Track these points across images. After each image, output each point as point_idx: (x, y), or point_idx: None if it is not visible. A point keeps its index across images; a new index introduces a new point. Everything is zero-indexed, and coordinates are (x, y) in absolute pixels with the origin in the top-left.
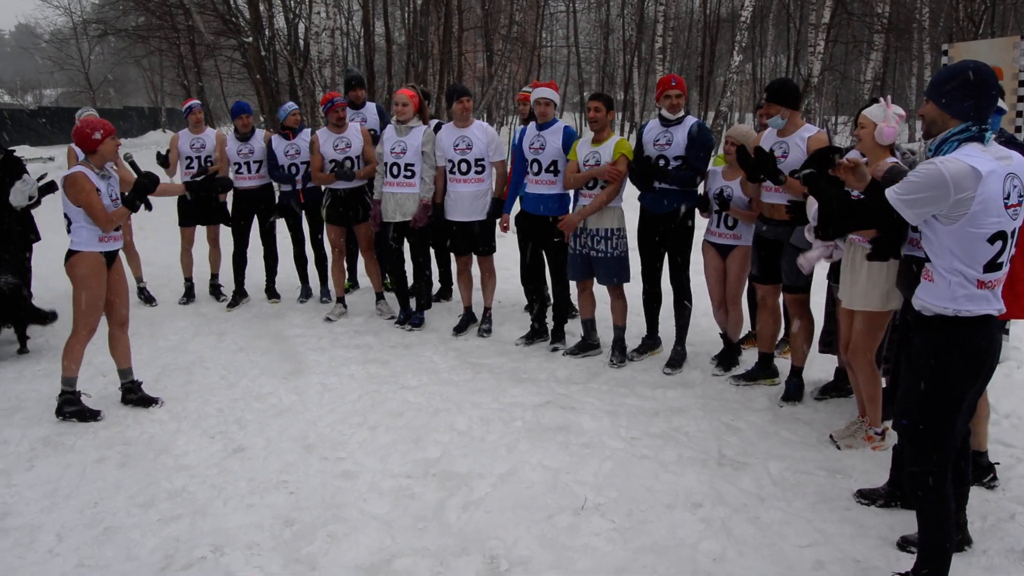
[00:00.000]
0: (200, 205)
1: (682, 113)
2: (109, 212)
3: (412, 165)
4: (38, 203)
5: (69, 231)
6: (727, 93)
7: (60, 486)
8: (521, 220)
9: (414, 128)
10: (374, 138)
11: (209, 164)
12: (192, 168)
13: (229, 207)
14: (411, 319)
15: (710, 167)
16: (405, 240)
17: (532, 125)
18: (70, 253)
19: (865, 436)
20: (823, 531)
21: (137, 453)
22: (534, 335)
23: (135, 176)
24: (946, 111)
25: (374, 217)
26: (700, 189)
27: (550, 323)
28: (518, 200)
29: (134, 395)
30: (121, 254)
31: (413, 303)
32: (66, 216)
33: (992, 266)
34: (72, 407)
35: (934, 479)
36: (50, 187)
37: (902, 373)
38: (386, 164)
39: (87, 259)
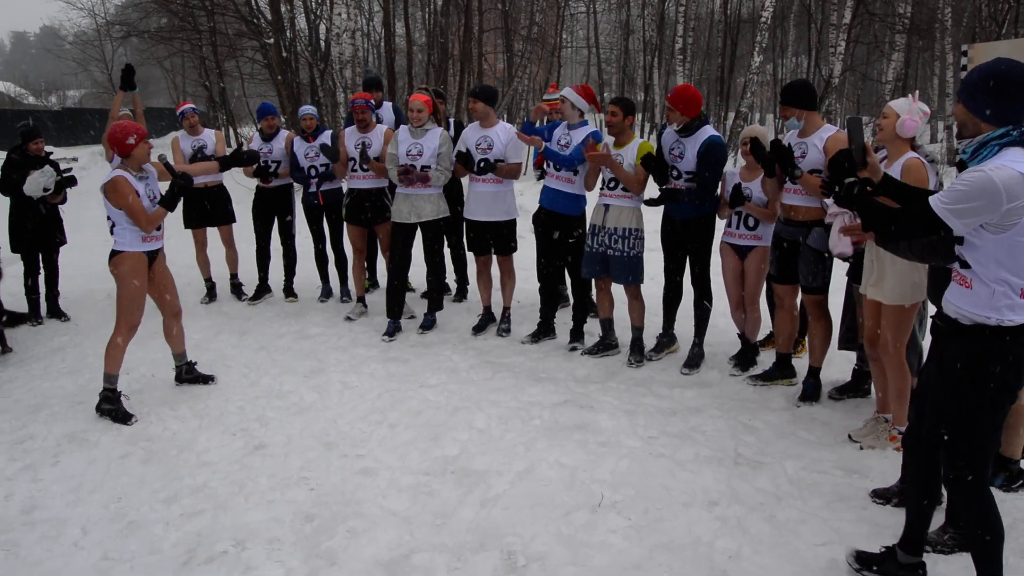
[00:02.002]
0: (200, 206)
1: (676, 125)
2: (149, 213)
3: (428, 168)
4: (59, 197)
5: (112, 232)
6: (747, 94)
7: (85, 481)
8: (539, 217)
9: (429, 130)
10: None
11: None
12: None
13: (236, 207)
14: (423, 323)
15: (727, 169)
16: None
17: (564, 123)
18: (114, 253)
19: (889, 436)
20: (839, 530)
21: (160, 450)
22: (540, 333)
23: (170, 176)
24: (975, 114)
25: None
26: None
27: (568, 323)
28: (537, 195)
29: (190, 375)
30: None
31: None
32: (109, 218)
33: None
34: (109, 405)
35: (974, 477)
36: (70, 181)
37: (933, 381)
38: (402, 167)
39: (129, 259)
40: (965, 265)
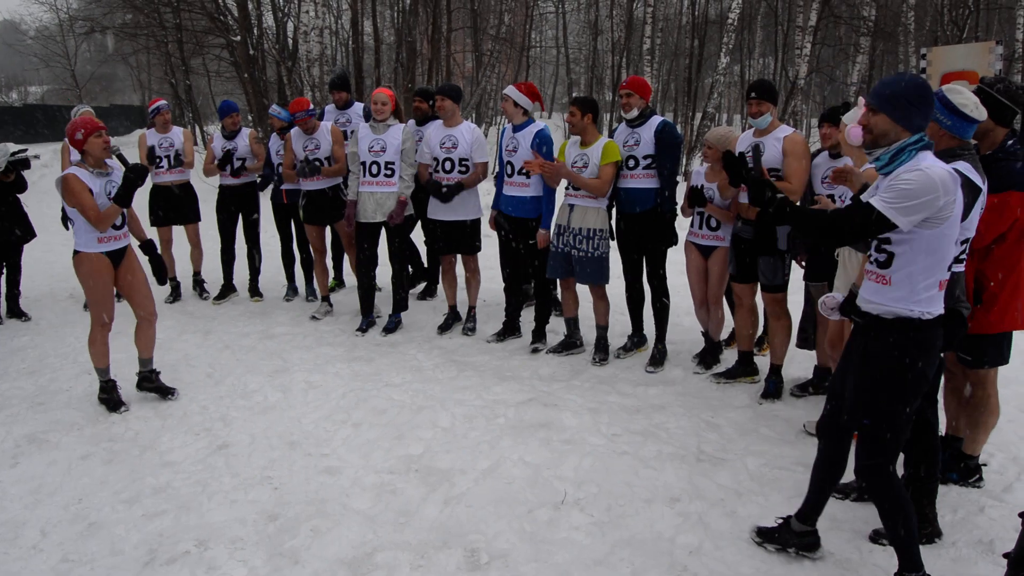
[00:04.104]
0: (167, 205)
1: (635, 113)
2: (101, 211)
3: (392, 163)
4: (10, 176)
5: (73, 231)
6: (714, 94)
7: (44, 483)
8: (498, 221)
9: (392, 126)
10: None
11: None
12: (162, 167)
13: (202, 206)
14: (386, 325)
15: (695, 168)
16: (381, 241)
17: (509, 127)
18: (74, 253)
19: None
20: None
21: (122, 450)
22: (506, 332)
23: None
24: (901, 123)
25: (348, 218)
26: (682, 188)
27: (532, 323)
28: (496, 199)
29: (150, 384)
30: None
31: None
32: (70, 218)
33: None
34: (104, 394)
35: (891, 467)
36: (22, 164)
37: (855, 374)
38: (363, 163)
39: (86, 260)
40: (884, 264)
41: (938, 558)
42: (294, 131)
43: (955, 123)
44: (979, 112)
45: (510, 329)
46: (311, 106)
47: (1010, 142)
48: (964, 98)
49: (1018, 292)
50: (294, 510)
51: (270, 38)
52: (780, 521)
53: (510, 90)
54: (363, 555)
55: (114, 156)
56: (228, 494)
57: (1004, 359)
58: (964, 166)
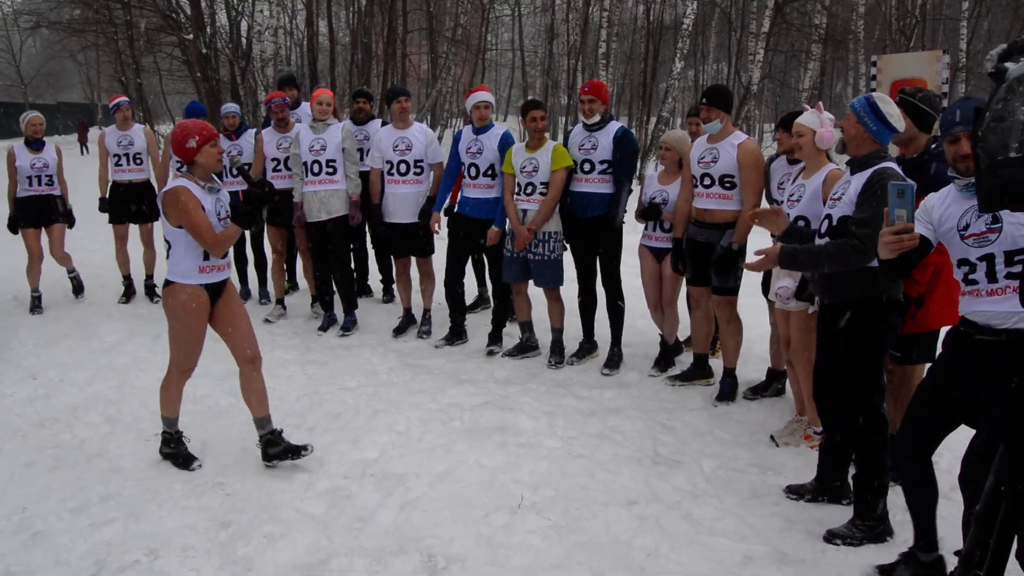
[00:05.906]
0: (127, 203)
1: (597, 118)
2: (217, 232)
3: (333, 161)
4: None
5: (168, 256)
6: (669, 99)
7: None
8: (457, 224)
9: (331, 125)
10: None
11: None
12: (121, 165)
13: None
14: (343, 325)
15: (648, 172)
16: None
17: (469, 129)
18: (167, 283)
19: (804, 435)
20: (753, 526)
21: (69, 457)
22: (453, 336)
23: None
24: None
25: (298, 220)
26: (636, 194)
27: (488, 326)
28: (456, 205)
29: (277, 447)
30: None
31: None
32: (166, 240)
33: None
34: (168, 448)
35: None
36: None
37: (1006, 407)
38: (305, 164)
39: (182, 292)
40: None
41: (890, 556)
42: (266, 131)
43: (879, 129)
44: (900, 123)
45: (457, 333)
46: (287, 98)
47: (933, 145)
48: (891, 108)
49: (947, 291)
50: (247, 516)
51: (223, 37)
52: (900, 557)
53: (489, 96)
54: (318, 561)
55: (234, 169)
56: (179, 501)
57: (932, 356)
58: (893, 166)
